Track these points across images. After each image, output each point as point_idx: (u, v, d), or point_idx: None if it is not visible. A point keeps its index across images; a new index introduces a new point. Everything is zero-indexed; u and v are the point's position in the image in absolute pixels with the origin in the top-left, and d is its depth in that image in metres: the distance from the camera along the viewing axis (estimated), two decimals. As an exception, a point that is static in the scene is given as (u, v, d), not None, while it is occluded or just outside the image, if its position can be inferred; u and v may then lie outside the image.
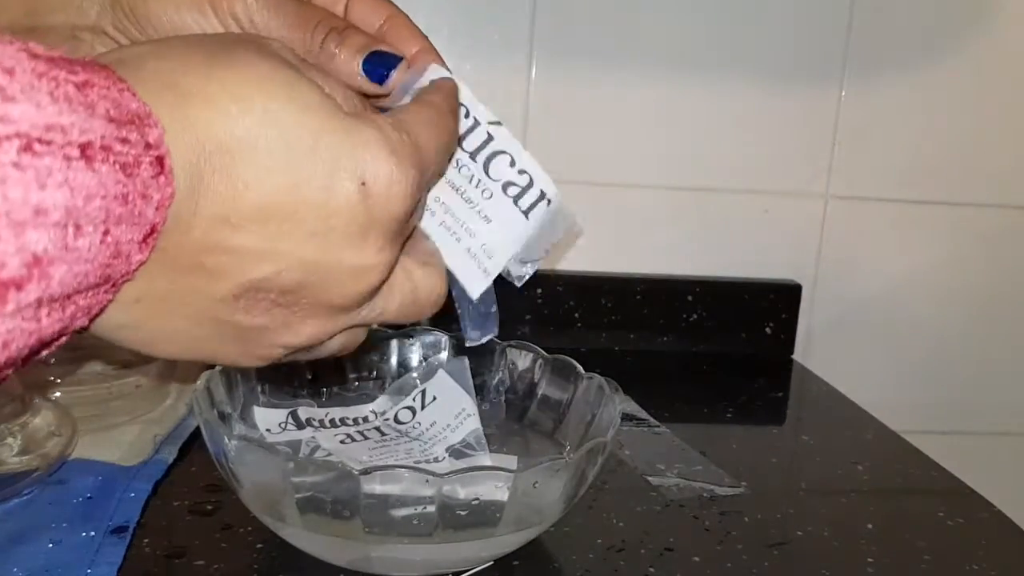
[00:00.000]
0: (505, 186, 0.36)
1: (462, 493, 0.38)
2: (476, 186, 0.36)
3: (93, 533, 0.42)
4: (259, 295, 0.28)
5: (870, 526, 0.50)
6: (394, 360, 0.55)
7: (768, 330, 0.80)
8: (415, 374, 0.54)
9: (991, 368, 0.86)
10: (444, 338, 0.55)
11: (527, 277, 0.38)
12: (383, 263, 0.29)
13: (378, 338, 0.55)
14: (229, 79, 0.27)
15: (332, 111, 0.28)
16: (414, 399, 0.52)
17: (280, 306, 0.29)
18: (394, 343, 0.55)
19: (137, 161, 0.24)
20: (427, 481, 0.37)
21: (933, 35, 0.79)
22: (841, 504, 0.53)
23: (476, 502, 0.39)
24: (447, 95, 0.33)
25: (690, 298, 0.79)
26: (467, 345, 0.37)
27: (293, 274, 0.28)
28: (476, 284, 0.36)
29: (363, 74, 0.33)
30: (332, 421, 0.51)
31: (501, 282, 0.38)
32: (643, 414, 0.63)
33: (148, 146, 0.24)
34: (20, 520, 0.43)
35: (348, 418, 0.51)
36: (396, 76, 0.33)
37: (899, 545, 0.48)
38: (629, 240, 0.79)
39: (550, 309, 0.77)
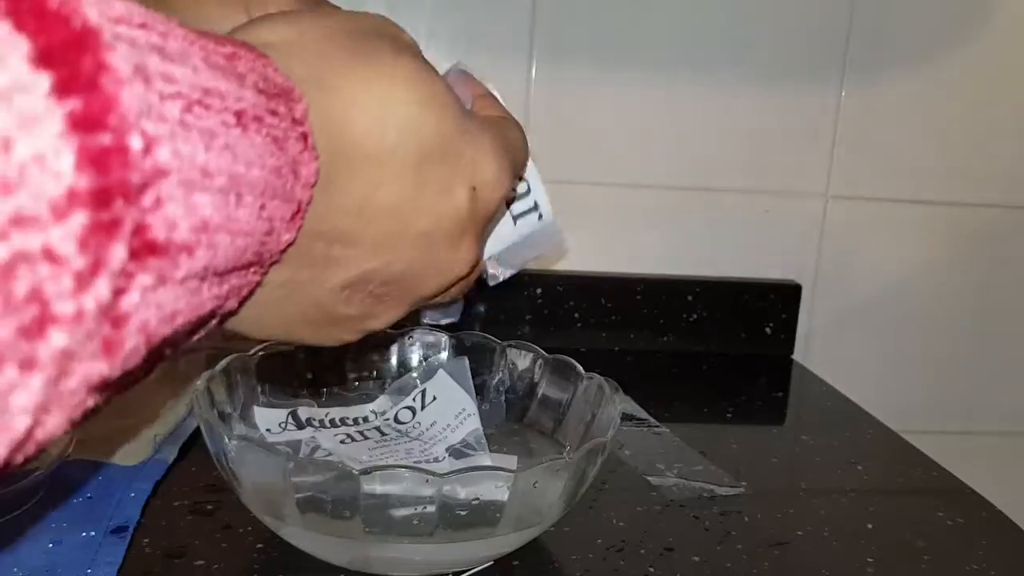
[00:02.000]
0: None
1: (462, 493, 0.38)
2: None
3: (93, 533, 0.42)
4: (361, 286, 0.29)
5: (870, 526, 0.50)
6: (394, 360, 0.55)
7: (768, 330, 0.80)
8: (415, 374, 0.54)
9: (991, 368, 0.86)
10: (444, 338, 0.55)
11: (499, 280, 0.38)
12: (472, 259, 0.31)
13: (379, 338, 0.55)
14: (373, 79, 0.27)
15: (459, 114, 0.29)
16: (414, 399, 0.52)
17: (374, 296, 0.30)
18: (394, 343, 0.55)
19: (286, 135, 0.24)
20: (427, 481, 0.37)
21: (933, 35, 0.79)
22: (841, 504, 0.53)
23: (476, 502, 0.39)
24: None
25: (690, 298, 0.79)
26: (424, 322, 0.37)
27: (398, 267, 0.29)
28: None
29: None
30: (332, 421, 0.51)
31: (500, 282, 0.38)
32: (643, 414, 0.63)
33: (295, 121, 0.24)
34: (20, 520, 0.43)
35: (348, 418, 0.51)
36: None
37: (899, 545, 0.48)
38: (629, 240, 0.79)
39: (550, 309, 0.77)
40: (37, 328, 0.17)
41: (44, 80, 0.16)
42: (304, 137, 0.24)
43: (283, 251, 0.26)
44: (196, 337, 0.24)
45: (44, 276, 0.17)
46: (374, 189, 0.27)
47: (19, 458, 0.19)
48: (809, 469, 0.59)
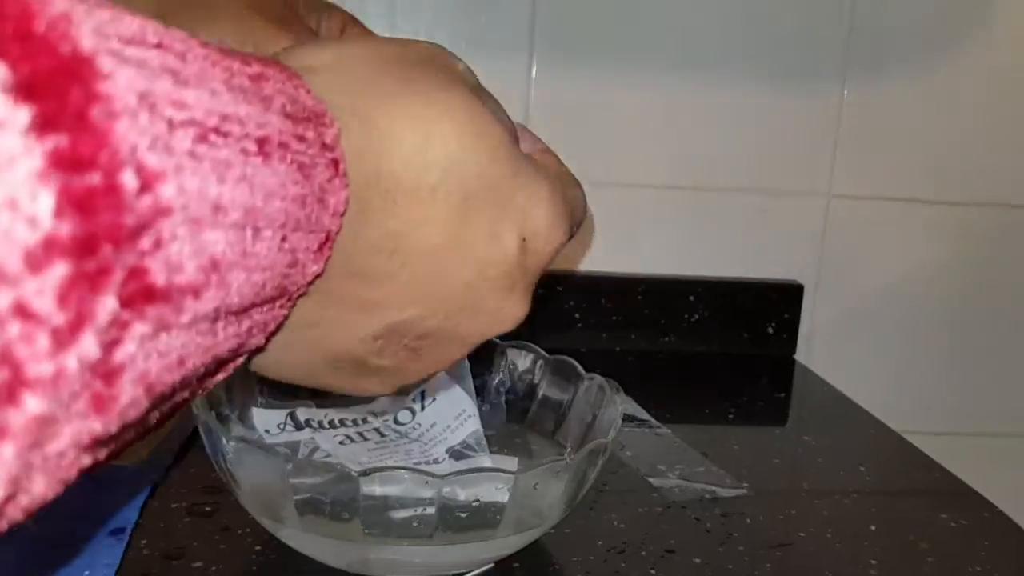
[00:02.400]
0: None
1: (462, 495, 0.38)
2: None
3: (91, 534, 0.42)
4: (396, 337, 0.27)
5: (872, 527, 0.50)
6: (394, 361, 0.55)
7: (770, 330, 0.80)
8: (415, 375, 0.54)
9: (994, 368, 0.86)
10: (444, 338, 0.54)
11: None
12: (521, 316, 0.29)
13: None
14: (416, 109, 0.25)
15: (513, 156, 0.27)
16: (414, 400, 0.52)
17: (409, 350, 0.28)
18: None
19: (314, 162, 0.22)
20: (427, 482, 0.37)
21: (935, 34, 0.78)
22: (843, 505, 0.53)
23: (476, 504, 0.39)
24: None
25: (691, 298, 0.78)
26: None
27: (436, 320, 0.27)
28: None
29: None
30: (331, 422, 0.50)
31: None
32: (644, 415, 0.63)
33: (324, 146, 0.23)
34: (17, 522, 0.43)
35: (347, 419, 0.51)
36: None
37: (901, 546, 0.48)
38: (630, 240, 0.79)
39: (550, 309, 0.76)
40: (7, 394, 0.15)
41: (23, 114, 0.15)
42: (335, 163, 0.23)
43: (310, 283, 0.24)
44: (223, 376, 0.23)
45: (14, 336, 0.15)
46: (411, 229, 0.25)
47: (3, 525, 0.17)
48: (811, 470, 0.58)
